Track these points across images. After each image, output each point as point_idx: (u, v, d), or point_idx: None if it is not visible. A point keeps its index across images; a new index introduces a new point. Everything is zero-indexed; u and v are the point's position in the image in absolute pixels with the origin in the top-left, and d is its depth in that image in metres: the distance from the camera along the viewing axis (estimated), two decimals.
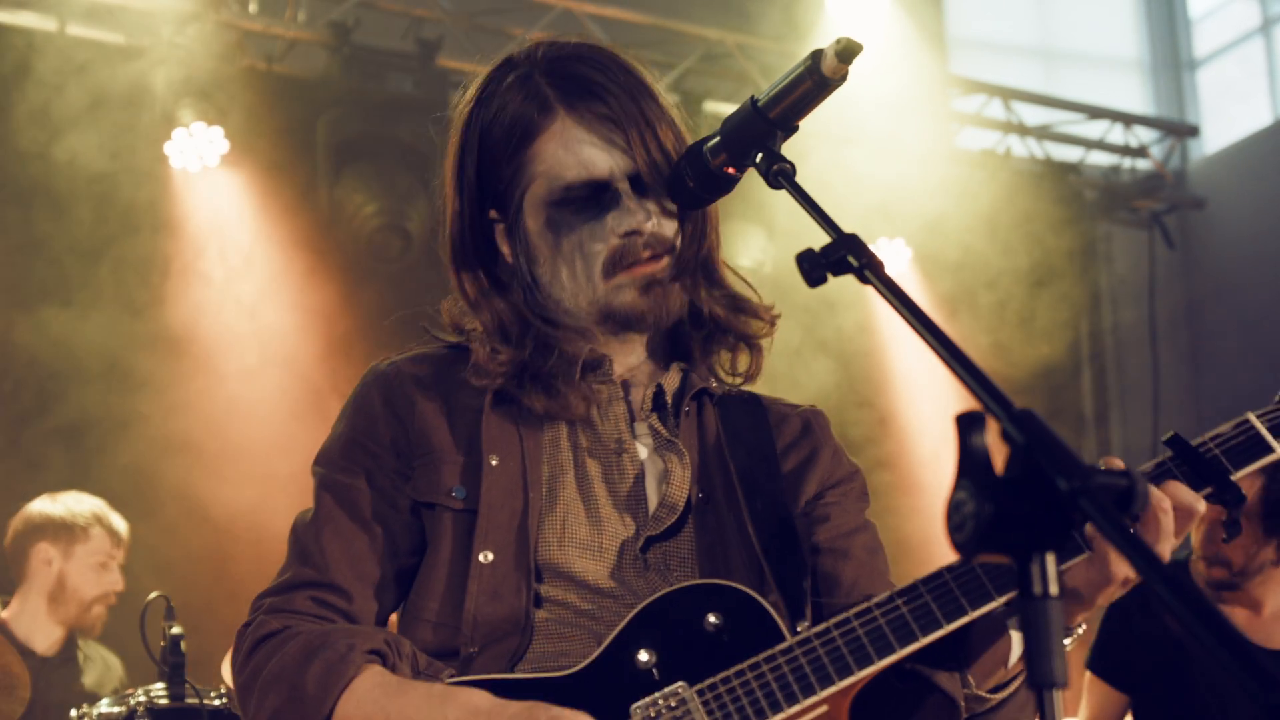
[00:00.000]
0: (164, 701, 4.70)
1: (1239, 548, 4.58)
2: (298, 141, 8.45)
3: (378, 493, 2.47)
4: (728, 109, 2.43)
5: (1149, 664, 4.63)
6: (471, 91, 2.61)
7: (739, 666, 2.23)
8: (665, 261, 2.48)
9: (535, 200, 2.49)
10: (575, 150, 2.46)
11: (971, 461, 1.46)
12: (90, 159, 7.54)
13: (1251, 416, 2.43)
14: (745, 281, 2.64)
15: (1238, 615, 4.61)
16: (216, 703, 4.75)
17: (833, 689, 2.21)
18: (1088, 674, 4.83)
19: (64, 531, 6.01)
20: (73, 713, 4.79)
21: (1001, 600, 2.26)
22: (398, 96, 8.48)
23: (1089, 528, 2.21)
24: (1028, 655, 1.45)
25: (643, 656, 2.28)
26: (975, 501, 1.43)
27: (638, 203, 2.46)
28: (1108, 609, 4.81)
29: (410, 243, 8.45)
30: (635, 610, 2.32)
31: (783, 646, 2.24)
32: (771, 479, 2.53)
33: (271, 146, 8.30)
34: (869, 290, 1.94)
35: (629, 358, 2.58)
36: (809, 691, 2.20)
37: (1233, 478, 2.36)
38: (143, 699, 4.70)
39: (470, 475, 2.44)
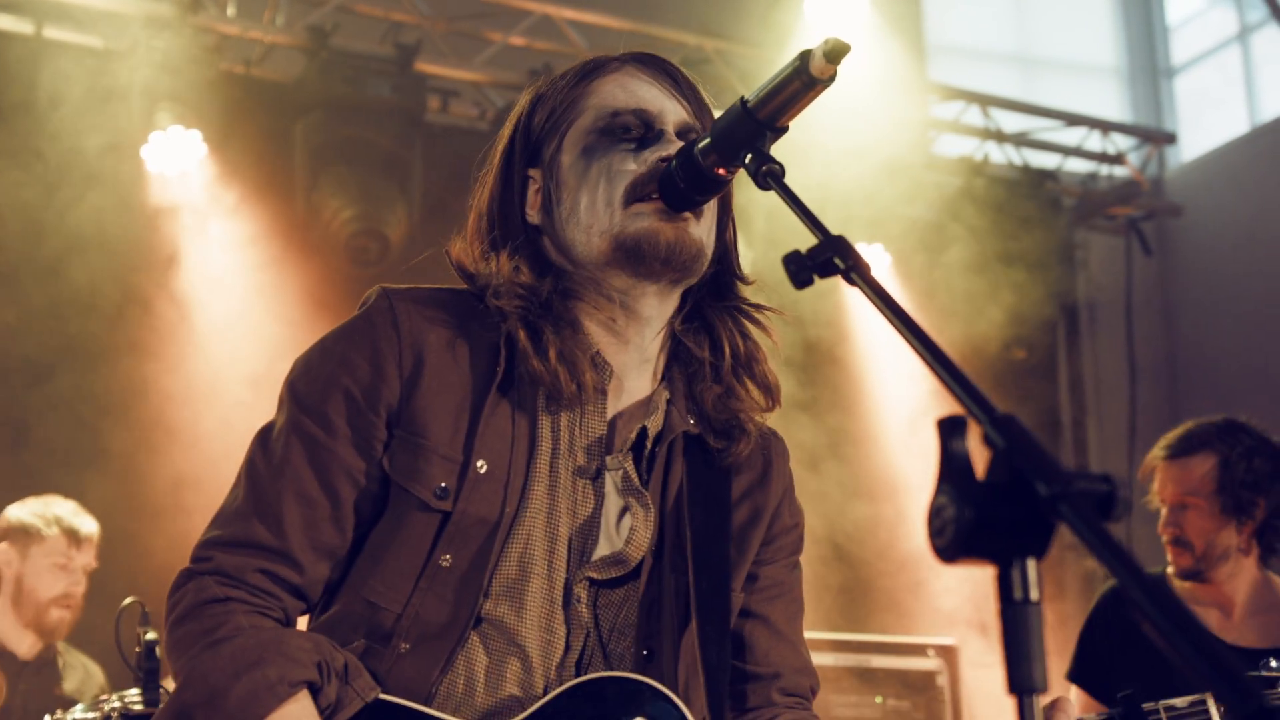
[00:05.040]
0: (138, 707, 4.56)
1: (1198, 530, 4.62)
2: (275, 145, 8.43)
3: (354, 459, 2.37)
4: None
5: (1129, 674, 4.63)
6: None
7: None
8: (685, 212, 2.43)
9: (578, 132, 2.49)
10: (632, 89, 2.50)
11: (953, 466, 1.47)
12: (67, 161, 7.51)
13: (1209, 699, 2.53)
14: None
15: (1210, 617, 4.62)
16: None
17: None
18: (1071, 686, 4.82)
19: (22, 534, 6.00)
20: (46, 718, 4.70)
21: None
22: (375, 101, 8.43)
23: None
24: (1007, 660, 1.44)
25: None
26: (956, 506, 1.44)
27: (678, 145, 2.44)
28: (1087, 619, 4.84)
29: (387, 247, 8.43)
30: (567, 685, 2.32)
31: None
32: (722, 541, 2.49)
33: (249, 150, 8.29)
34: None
35: (629, 368, 2.51)
36: None
37: None
38: (117, 705, 4.57)
39: (458, 476, 2.35)
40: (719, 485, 2.54)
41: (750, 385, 2.54)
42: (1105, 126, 10.88)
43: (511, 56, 9.03)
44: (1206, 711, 2.46)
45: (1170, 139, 11.47)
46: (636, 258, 2.40)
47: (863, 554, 9.38)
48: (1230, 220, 11.23)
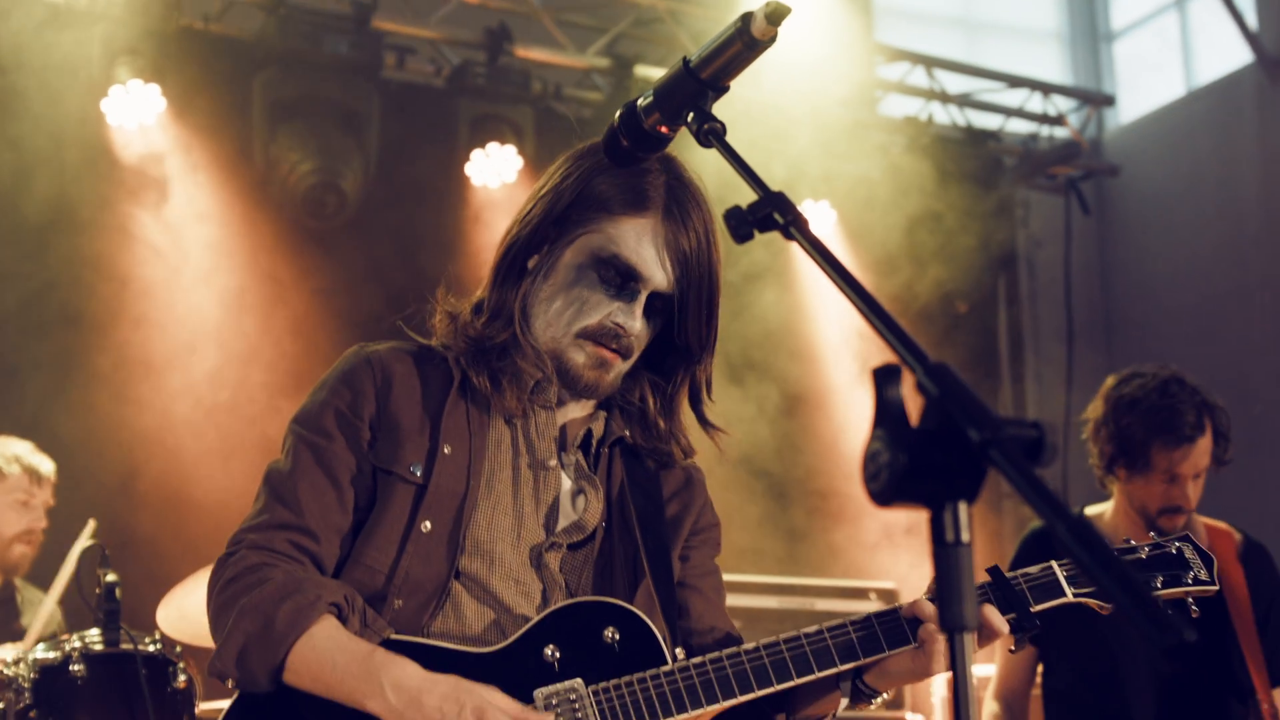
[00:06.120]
0: (99, 647, 4.76)
1: (1199, 487, 4.78)
2: (234, 100, 8.49)
3: (350, 456, 2.85)
4: (658, 73, 2.62)
5: (1055, 617, 4.82)
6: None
7: (628, 678, 2.70)
8: (619, 360, 2.89)
9: (587, 244, 2.87)
10: (642, 242, 2.84)
11: (887, 413, 1.53)
12: (27, 116, 7.57)
13: (1054, 565, 2.92)
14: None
15: None
16: (151, 648, 4.83)
17: (699, 711, 2.70)
18: None
19: None
20: (8, 656, 4.84)
21: (844, 667, 2.76)
22: (333, 57, 8.49)
23: (924, 628, 2.73)
24: (939, 599, 1.52)
25: (548, 650, 2.73)
26: (890, 452, 1.49)
27: (640, 312, 2.87)
28: (1013, 559, 4.93)
29: (344, 200, 8.53)
30: (549, 610, 2.78)
31: (665, 669, 2.72)
32: (660, 521, 2.99)
33: (208, 105, 8.35)
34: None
35: (567, 399, 2.98)
36: (681, 709, 2.69)
37: (1032, 609, 2.86)
38: (78, 645, 4.74)
39: (427, 457, 2.84)
40: (651, 483, 3.03)
41: (671, 443, 3.03)
42: (1046, 88, 11.00)
43: (467, 14, 9.08)
44: (1054, 575, 2.90)
45: (1109, 101, 11.62)
46: (562, 377, 2.91)
47: (790, 470, 9.63)
48: (1165, 180, 11.39)
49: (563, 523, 2.91)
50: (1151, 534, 3.21)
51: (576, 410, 3.01)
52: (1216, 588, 3.12)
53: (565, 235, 2.91)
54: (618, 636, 2.75)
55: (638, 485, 3.00)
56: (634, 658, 2.74)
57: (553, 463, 2.93)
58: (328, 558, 2.80)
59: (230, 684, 2.71)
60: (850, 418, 9.64)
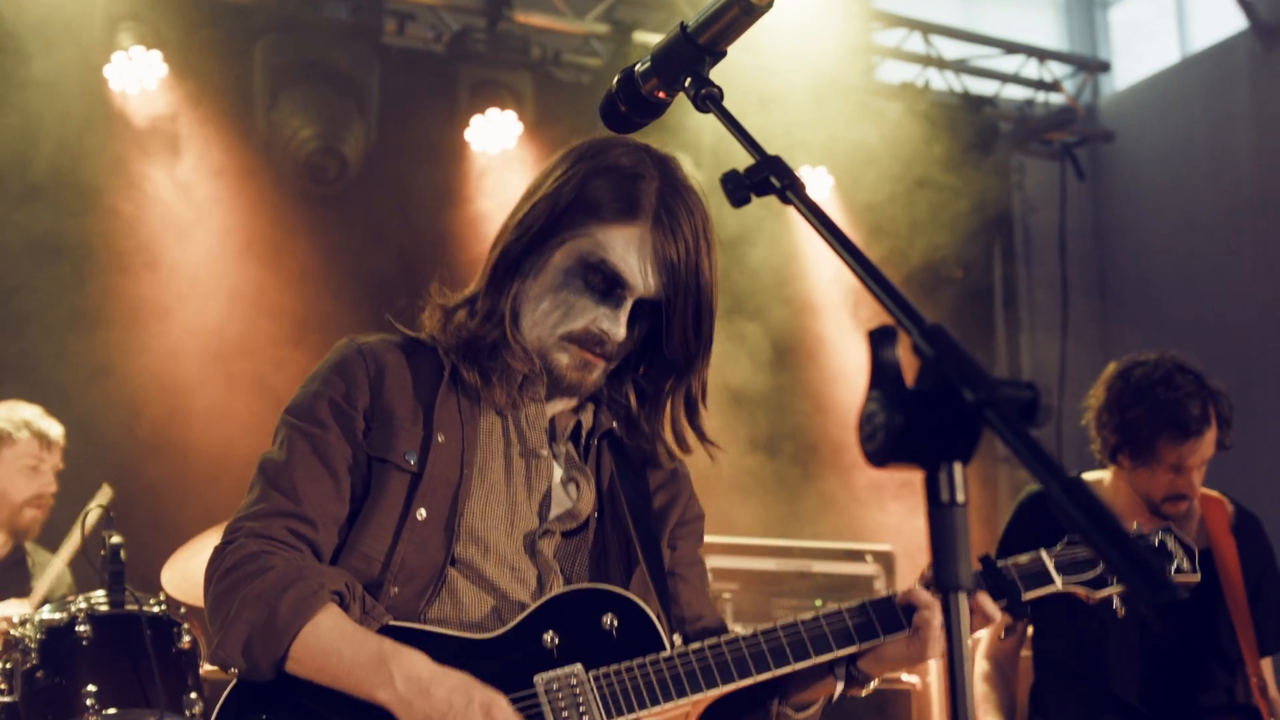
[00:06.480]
0: (104, 608, 4.74)
1: (1203, 473, 4.82)
2: (235, 65, 8.50)
3: (345, 446, 2.86)
4: (657, 39, 2.63)
5: None
6: (602, 146, 2.98)
7: (628, 663, 2.75)
8: (602, 363, 2.93)
9: (576, 248, 2.90)
10: (629, 250, 2.87)
11: (883, 374, 1.53)
12: (30, 82, 7.60)
13: (1043, 553, 3.02)
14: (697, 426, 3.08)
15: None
16: (156, 609, 4.82)
17: (699, 695, 2.76)
18: None
19: None
20: (15, 618, 4.86)
21: (840, 653, 2.85)
22: (334, 23, 8.53)
23: (918, 615, 2.82)
24: (934, 559, 1.52)
25: (548, 636, 2.77)
26: (886, 413, 1.50)
27: (625, 319, 2.89)
28: (1008, 522, 5.04)
29: (345, 166, 8.55)
30: (547, 596, 2.82)
31: (665, 655, 2.78)
32: (649, 511, 3.06)
33: (209, 70, 8.37)
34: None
35: (555, 394, 3.01)
36: (681, 694, 2.74)
37: (1023, 598, 2.96)
38: (83, 606, 4.72)
39: (421, 445, 2.87)
40: (639, 475, 3.09)
41: (656, 443, 3.08)
42: (1042, 54, 11.02)
43: None
44: (1043, 564, 3.00)
45: (1104, 67, 11.64)
46: (547, 376, 2.95)
47: (780, 421, 9.67)
48: (1159, 146, 11.41)
49: (556, 510, 2.95)
50: (1135, 524, 3.28)
51: (564, 403, 3.04)
52: (1199, 578, 3.21)
53: (557, 237, 2.93)
54: (616, 623, 2.79)
55: (626, 476, 3.05)
56: (632, 644, 2.79)
57: (544, 452, 2.97)
58: (325, 545, 2.82)
59: (233, 672, 2.73)
60: (842, 367, 9.66)
